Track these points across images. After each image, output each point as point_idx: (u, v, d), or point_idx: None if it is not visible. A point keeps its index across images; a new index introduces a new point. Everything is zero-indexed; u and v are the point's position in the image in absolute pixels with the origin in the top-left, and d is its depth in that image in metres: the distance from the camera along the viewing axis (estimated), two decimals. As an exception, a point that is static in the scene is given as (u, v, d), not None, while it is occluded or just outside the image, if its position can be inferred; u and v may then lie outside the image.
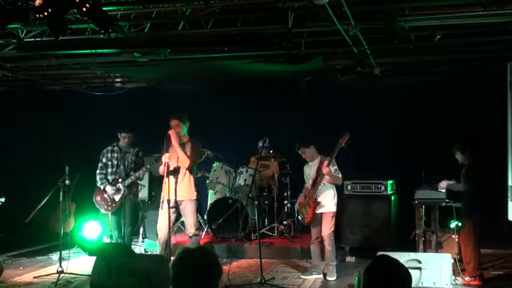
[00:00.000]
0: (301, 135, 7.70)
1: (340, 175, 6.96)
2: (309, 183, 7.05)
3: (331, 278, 6.99)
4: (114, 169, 7.53)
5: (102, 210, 7.58)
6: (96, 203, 7.55)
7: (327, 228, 6.91)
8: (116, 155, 7.55)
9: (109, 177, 7.51)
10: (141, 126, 8.31)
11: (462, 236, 6.84)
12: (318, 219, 6.97)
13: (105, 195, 7.44)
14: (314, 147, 7.02)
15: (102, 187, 7.46)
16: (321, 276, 7.09)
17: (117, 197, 7.42)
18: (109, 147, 7.59)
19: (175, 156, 6.82)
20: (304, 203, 7.00)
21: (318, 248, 7.09)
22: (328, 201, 6.93)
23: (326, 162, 6.77)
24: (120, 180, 7.44)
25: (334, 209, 6.96)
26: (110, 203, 7.44)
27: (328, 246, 6.94)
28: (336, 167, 6.92)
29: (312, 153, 7.03)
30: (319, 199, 6.88)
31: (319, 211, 6.92)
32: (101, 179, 7.49)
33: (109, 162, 7.54)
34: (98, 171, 7.54)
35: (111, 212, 7.51)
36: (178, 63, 8.44)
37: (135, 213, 7.95)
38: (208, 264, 2.58)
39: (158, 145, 7.12)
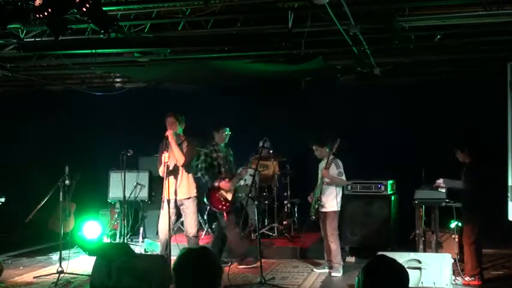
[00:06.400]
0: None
1: (343, 177, 7.14)
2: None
3: (336, 274, 7.07)
4: (223, 169, 7.48)
5: (216, 210, 7.47)
6: (210, 204, 7.45)
7: (329, 227, 7.06)
8: (221, 154, 7.50)
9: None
10: (141, 126, 8.30)
11: (463, 235, 6.85)
12: (321, 217, 7.14)
13: (217, 195, 7.38)
14: (327, 149, 7.12)
15: (217, 184, 7.36)
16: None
17: (229, 196, 7.41)
18: (211, 148, 7.46)
19: (174, 157, 6.83)
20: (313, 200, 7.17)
21: (327, 244, 7.19)
22: (329, 200, 7.07)
23: (324, 165, 6.99)
24: (227, 180, 7.41)
25: (335, 208, 7.08)
26: (223, 203, 7.38)
27: (331, 244, 7.07)
28: (340, 169, 7.10)
29: (323, 153, 7.17)
30: (323, 198, 7.03)
31: (322, 210, 7.08)
32: (212, 179, 7.36)
33: (215, 163, 7.43)
34: (203, 172, 7.36)
35: (225, 211, 7.41)
36: (178, 63, 8.43)
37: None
38: (211, 264, 2.59)
39: (158, 145, 7.14)
